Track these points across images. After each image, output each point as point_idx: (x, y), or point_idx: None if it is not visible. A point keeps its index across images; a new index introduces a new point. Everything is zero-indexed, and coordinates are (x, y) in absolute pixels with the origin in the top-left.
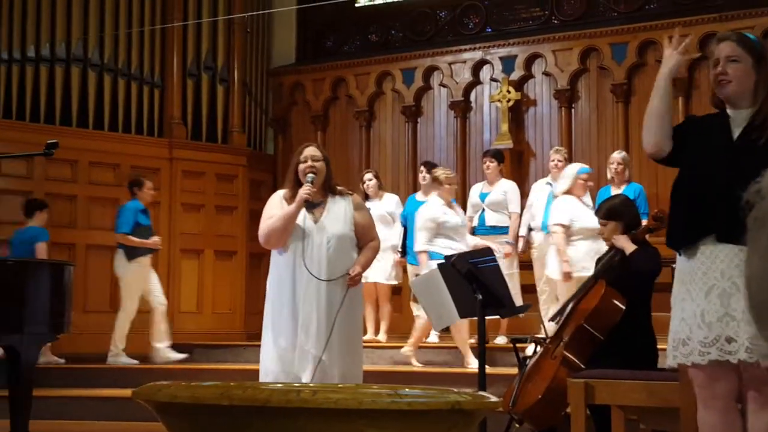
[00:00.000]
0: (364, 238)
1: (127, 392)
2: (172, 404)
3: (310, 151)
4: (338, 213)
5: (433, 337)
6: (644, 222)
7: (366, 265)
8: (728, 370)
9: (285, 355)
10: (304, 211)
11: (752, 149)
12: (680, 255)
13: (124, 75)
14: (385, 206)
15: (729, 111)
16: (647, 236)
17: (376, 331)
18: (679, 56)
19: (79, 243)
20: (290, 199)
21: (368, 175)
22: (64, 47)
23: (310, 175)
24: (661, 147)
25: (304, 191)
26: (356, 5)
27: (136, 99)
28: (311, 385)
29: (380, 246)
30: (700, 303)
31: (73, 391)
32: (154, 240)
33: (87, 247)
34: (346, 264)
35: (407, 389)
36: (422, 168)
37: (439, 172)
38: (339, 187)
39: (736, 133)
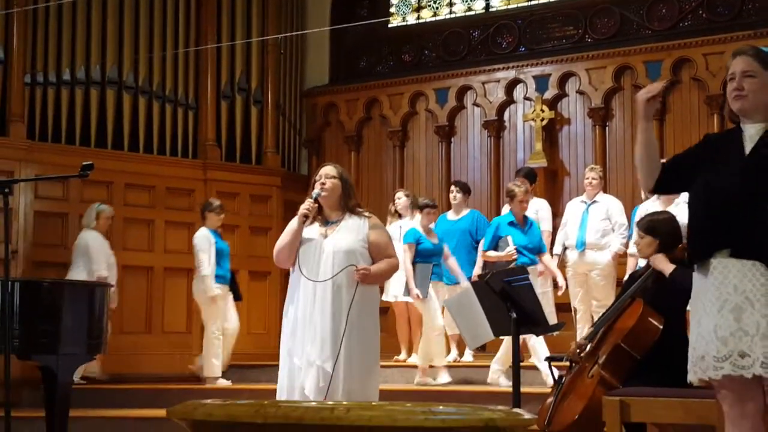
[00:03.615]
0: (380, 257)
1: (162, 412)
2: (207, 422)
3: (325, 169)
4: (350, 229)
5: (468, 356)
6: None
7: (378, 272)
8: (756, 389)
9: (294, 367)
10: (317, 226)
11: (764, 165)
12: (696, 271)
13: (158, 97)
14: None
15: (743, 125)
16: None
17: (409, 352)
18: (641, 99)
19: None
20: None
21: (399, 194)
22: (99, 70)
23: (315, 191)
24: (652, 185)
25: (303, 206)
26: (389, 26)
27: (170, 121)
28: (345, 402)
29: (398, 265)
30: (714, 317)
31: (109, 411)
32: (508, 251)
33: (123, 268)
34: (354, 279)
35: (441, 407)
36: (453, 188)
37: None
38: (359, 209)
39: (748, 147)
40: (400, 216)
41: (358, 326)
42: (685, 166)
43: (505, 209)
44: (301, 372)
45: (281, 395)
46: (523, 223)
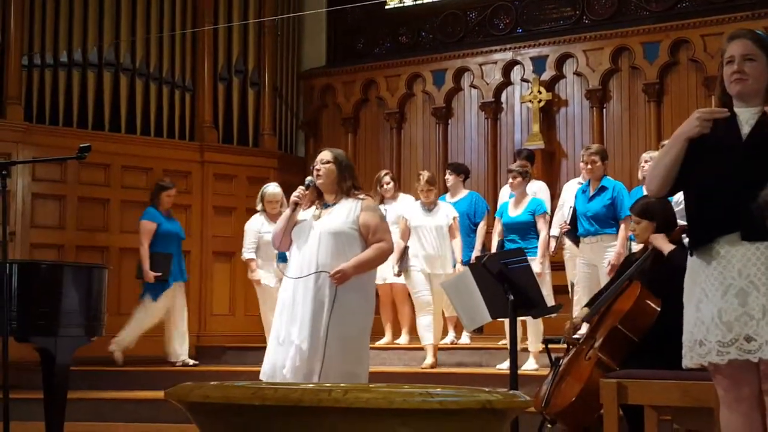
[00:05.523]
0: (371, 240)
1: (160, 394)
2: (204, 404)
3: (321, 155)
4: (341, 212)
5: (465, 338)
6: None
7: (360, 263)
8: (751, 373)
9: (278, 347)
10: (313, 209)
11: (763, 148)
12: (693, 255)
13: (155, 79)
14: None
15: (737, 108)
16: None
17: (395, 335)
18: (699, 128)
19: (112, 246)
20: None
21: (387, 178)
22: (96, 52)
23: (309, 178)
24: (662, 193)
25: (294, 194)
26: (386, 7)
27: (167, 103)
28: (342, 385)
29: (391, 249)
30: (717, 302)
31: (107, 393)
32: (558, 223)
33: (120, 251)
34: (341, 261)
35: (439, 389)
36: (447, 170)
37: None
38: (355, 191)
39: (745, 130)
40: (382, 200)
41: (342, 308)
42: (686, 164)
43: (504, 191)
44: (281, 352)
45: (263, 374)
46: (593, 188)
